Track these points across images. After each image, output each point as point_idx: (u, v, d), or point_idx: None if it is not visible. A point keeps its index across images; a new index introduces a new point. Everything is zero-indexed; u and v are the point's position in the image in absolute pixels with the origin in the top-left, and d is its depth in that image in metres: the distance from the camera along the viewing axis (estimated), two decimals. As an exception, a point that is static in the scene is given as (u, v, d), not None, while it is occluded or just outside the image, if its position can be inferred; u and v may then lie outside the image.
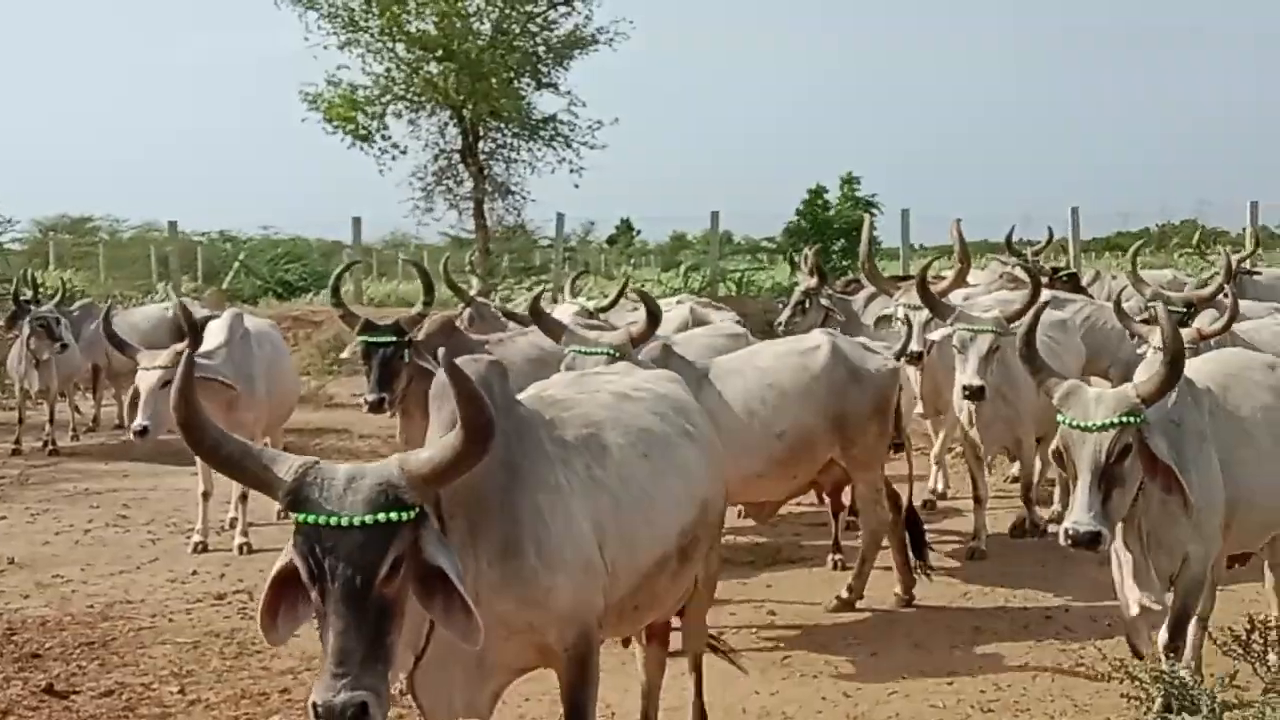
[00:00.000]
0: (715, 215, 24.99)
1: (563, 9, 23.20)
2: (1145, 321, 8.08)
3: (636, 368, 5.39)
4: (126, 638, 6.91)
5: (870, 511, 7.29)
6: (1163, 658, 4.93)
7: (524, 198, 23.80)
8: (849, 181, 29.69)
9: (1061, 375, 4.94)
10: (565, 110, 23.59)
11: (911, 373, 8.98)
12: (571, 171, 23.96)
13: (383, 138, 23.25)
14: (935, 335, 8.24)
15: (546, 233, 26.41)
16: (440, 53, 22.18)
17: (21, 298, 13.32)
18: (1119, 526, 4.82)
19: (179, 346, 8.08)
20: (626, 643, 5.12)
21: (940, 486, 10.15)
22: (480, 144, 23.25)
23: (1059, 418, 4.72)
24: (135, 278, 26.62)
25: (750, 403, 6.90)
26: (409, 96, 22.91)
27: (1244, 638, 4.86)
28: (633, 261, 39.90)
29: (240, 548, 8.71)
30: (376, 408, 7.98)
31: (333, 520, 3.17)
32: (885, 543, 7.30)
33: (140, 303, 18.80)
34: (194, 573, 8.26)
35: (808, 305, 11.29)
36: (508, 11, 22.63)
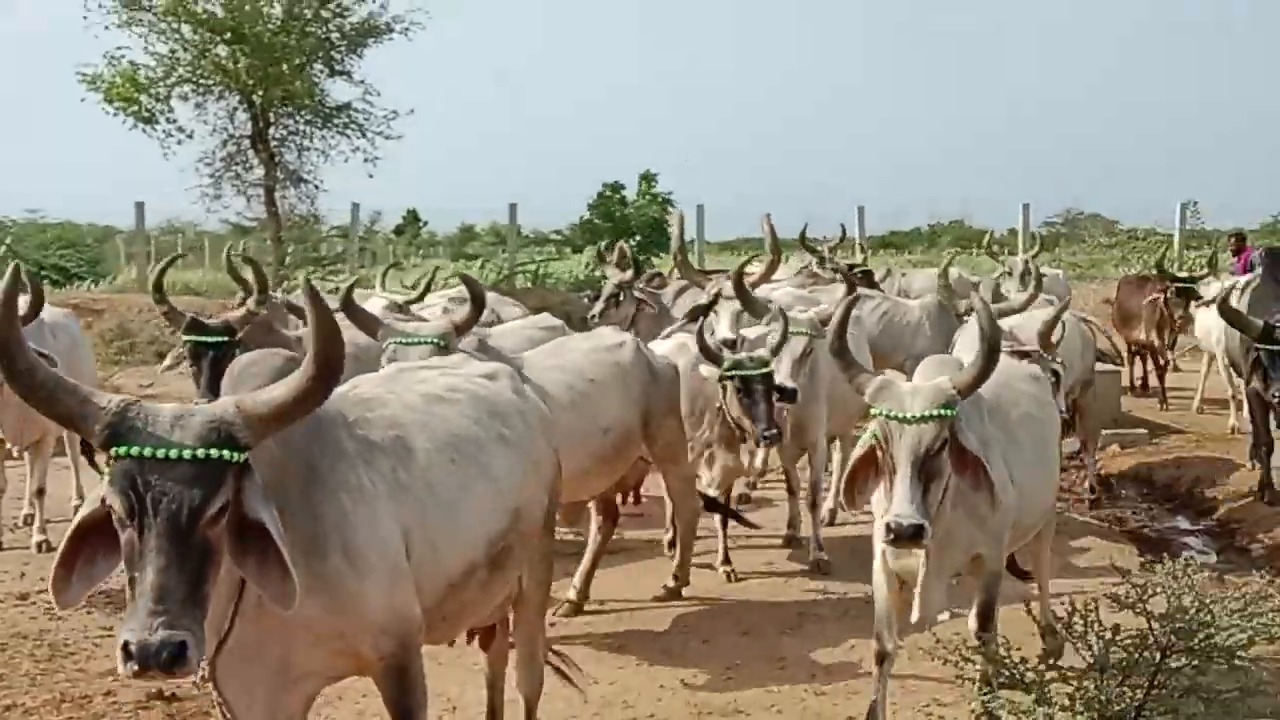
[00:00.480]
0: (513, 207, 24.93)
1: (357, -4, 22.75)
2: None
3: (468, 362, 5.17)
4: (-77, 644, 6.53)
5: (684, 503, 7.44)
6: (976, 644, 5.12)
7: (316, 186, 23.23)
8: (647, 179, 30.05)
9: (871, 370, 4.97)
10: (360, 99, 23.13)
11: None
12: (366, 161, 23.48)
13: (167, 120, 22.39)
14: (750, 333, 8.28)
15: (334, 222, 25.89)
16: (229, 35, 21.45)
17: None
18: None
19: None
20: (486, 646, 5.06)
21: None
22: (271, 130, 22.56)
23: (874, 410, 4.71)
24: (-117, 262, 24.99)
25: (575, 398, 6.81)
26: (195, 79, 22.09)
27: (1066, 619, 5.09)
28: (421, 253, 39.50)
29: (39, 545, 8.29)
30: None
31: (159, 452, 3.01)
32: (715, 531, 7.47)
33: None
34: (-9, 574, 7.84)
35: (621, 298, 11.38)
36: (300, -5, 22.08)
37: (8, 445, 8.38)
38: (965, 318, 9.29)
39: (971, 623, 5.29)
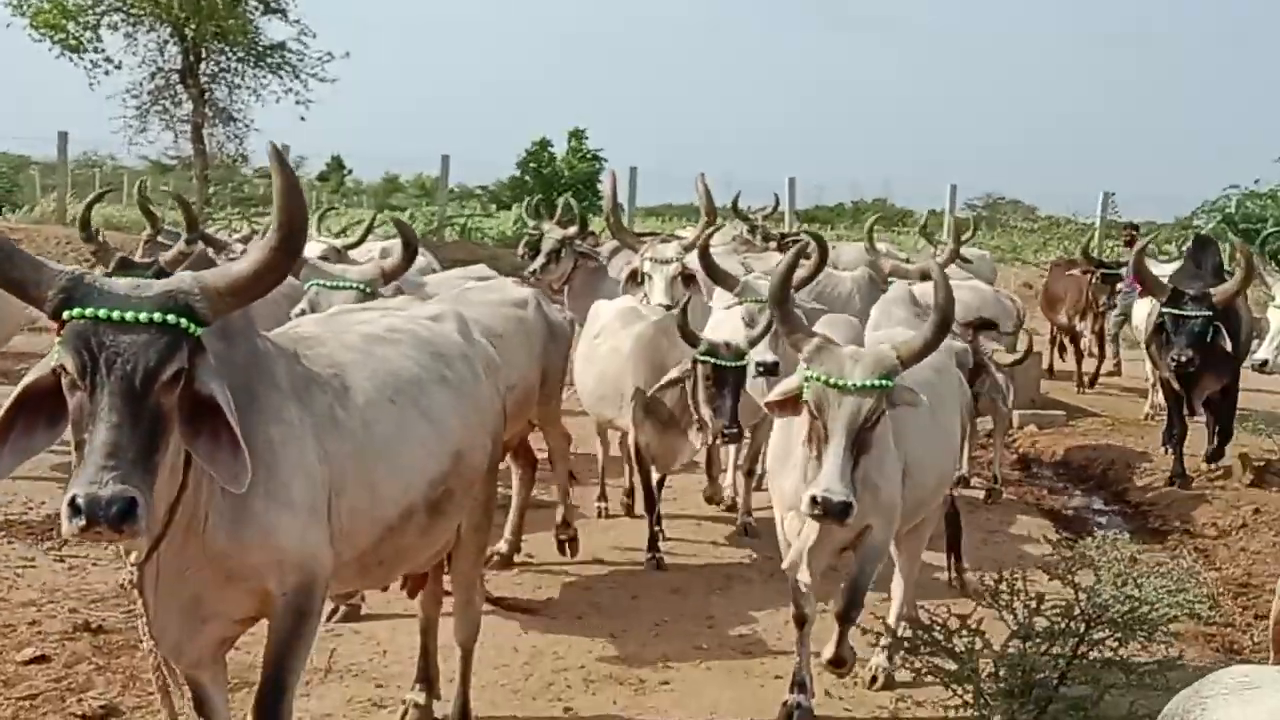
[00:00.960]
0: (445, 159, 24.65)
1: (294, -69, 22.36)
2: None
3: (413, 303, 5.12)
4: None
5: (563, 460, 7.51)
6: (837, 628, 5.05)
7: (246, 125, 22.86)
8: (576, 135, 29.95)
9: (810, 331, 4.65)
10: (295, 39, 22.77)
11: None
12: (298, 103, 23.15)
13: (95, 50, 21.88)
14: (719, 305, 8.16)
15: (259, 164, 25.47)
16: (162, -35, 21.01)
17: None
18: None
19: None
20: (414, 594, 5.05)
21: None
22: (202, 66, 22.16)
23: (807, 373, 4.45)
24: None
25: None
26: (126, 8, 21.59)
27: (994, 588, 5.19)
28: (345, 201, 39.00)
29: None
30: None
31: (115, 314, 2.98)
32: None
33: None
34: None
35: (562, 254, 11.33)
36: (235, -72, 21.64)
37: None
38: (884, 286, 9.34)
39: (837, 603, 5.07)
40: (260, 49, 22.62)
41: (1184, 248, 15.84)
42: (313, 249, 9.18)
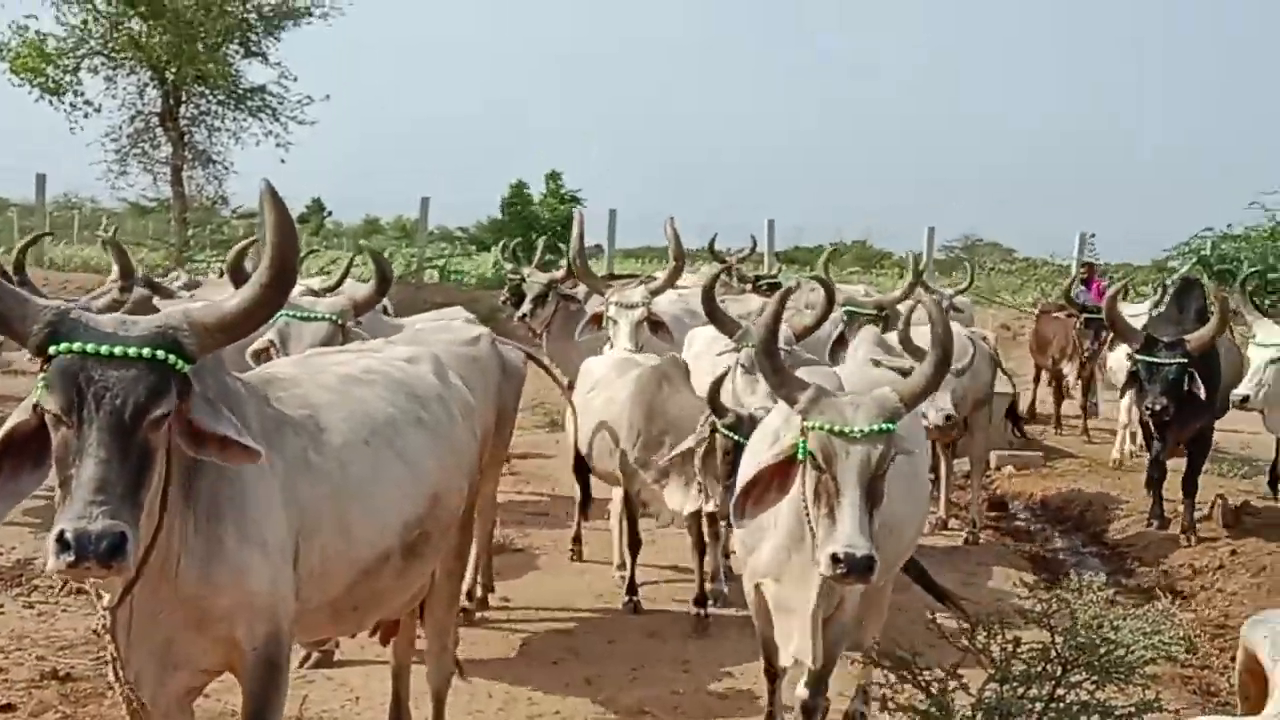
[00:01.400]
0: (425, 201, 24.68)
1: (278, -24, 22.44)
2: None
3: (389, 346, 5.01)
4: None
5: (491, 510, 7.16)
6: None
7: (226, 168, 22.87)
8: (554, 178, 30.04)
9: (802, 381, 4.29)
10: (275, 82, 22.83)
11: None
12: (278, 145, 23.20)
13: (75, 93, 21.89)
14: (692, 352, 7.97)
15: (241, 203, 25.45)
16: (144, 9, 21.04)
17: None
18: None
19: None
20: (386, 640, 5.00)
21: None
22: (182, 109, 22.19)
23: (810, 424, 4.09)
24: None
25: None
26: (107, 52, 21.64)
27: (970, 631, 5.15)
28: (325, 243, 38.96)
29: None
30: None
31: (104, 349, 2.95)
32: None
33: None
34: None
35: (548, 297, 11.32)
36: (218, -28, 21.72)
37: None
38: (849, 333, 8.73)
39: (800, 690, 4.78)
40: (241, 92, 22.67)
41: (1158, 288, 15.97)
42: (294, 290, 9.13)
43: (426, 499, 4.22)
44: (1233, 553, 8.61)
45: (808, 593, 4.49)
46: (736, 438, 6.15)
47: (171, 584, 3.36)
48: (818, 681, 4.74)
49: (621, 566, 7.57)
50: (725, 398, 6.50)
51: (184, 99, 22.20)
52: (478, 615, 6.89)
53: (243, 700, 3.64)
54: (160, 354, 3.00)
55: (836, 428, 4.05)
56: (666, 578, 7.91)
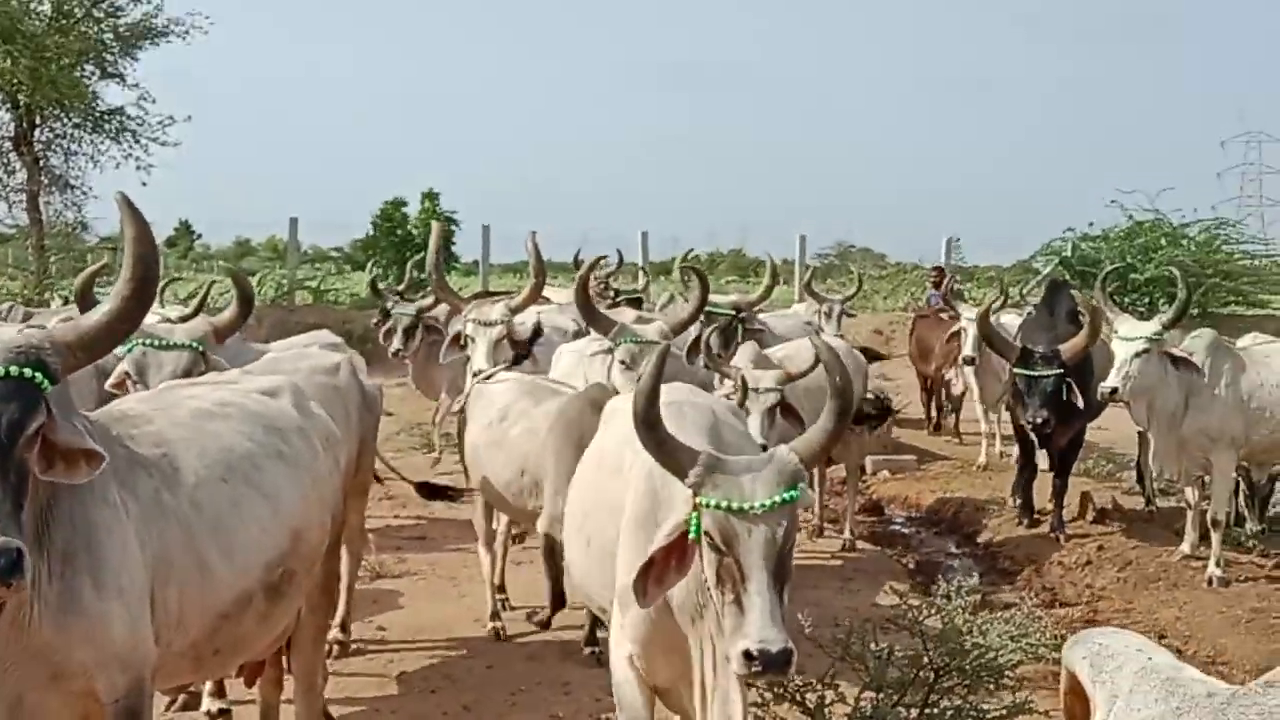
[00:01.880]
0: (294, 221, 24.28)
1: (130, -5, 21.91)
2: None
3: (246, 378, 4.82)
4: None
5: (360, 540, 6.88)
6: None
7: (85, 193, 22.19)
8: (430, 196, 29.86)
9: (692, 450, 3.66)
10: (134, 104, 22.23)
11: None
12: (139, 168, 22.55)
13: (-76, 117, 21.11)
14: (592, 350, 7.70)
15: (103, 232, 24.78)
16: (-6, 32, 20.38)
17: None
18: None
19: None
20: (251, 682, 4.87)
21: None
22: (37, 132, 21.51)
23: (703, 500, 3.54)
24: None
25: None
26: (-45, 76, 20.91)
27: (845, 639, 5.19)
28: (194, 266, 38.22)
29: None
30: None
31: None
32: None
33: None
34: None
35: (418, 329, 11.18)
36: (70, -8, 21.14)
37: None
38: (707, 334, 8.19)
39: None
40: (98, 115, 22.04)
41: (1025, 293, 16.29)
42: (150, 320, 8.85)
43: (289, 536, 4.11)
44: (1100, 549, 8.83)
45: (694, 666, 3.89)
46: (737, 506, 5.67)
47: (23, 636, 3.23)
48: None
49: (498, 607, 7.19)
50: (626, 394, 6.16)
51: (39, 122, 21.54)
52: (352, 646, 6.74)
53: None
54: (27, 371, 2.95)
55: (735, 504, 3.51)
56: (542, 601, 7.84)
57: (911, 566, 9.21)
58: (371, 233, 30.10)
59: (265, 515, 4.01)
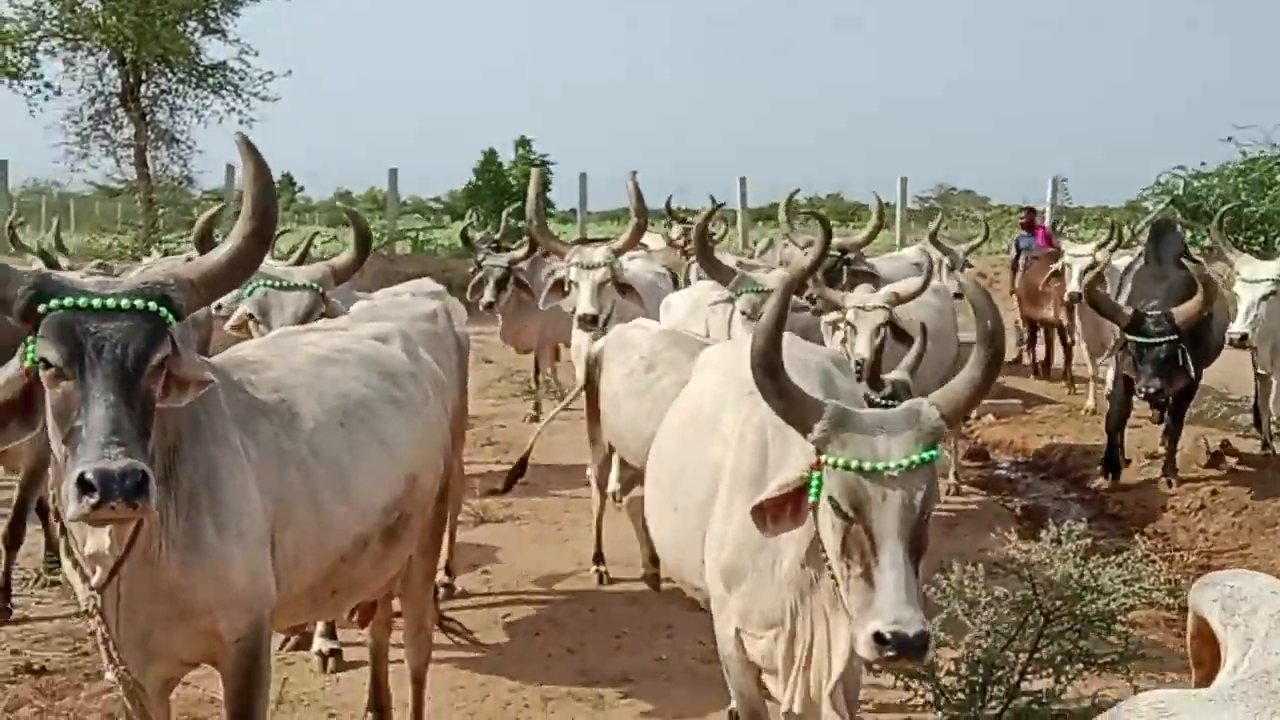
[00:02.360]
0: (393, 173, 24.53)
1: (236, -49, 22.17)
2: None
3: (356, 324, 4.82)
4: None
5: (461, 486, 6.84)
6: None
7: (190, 147, 22.63)
8: (523, 144, 29.91)
9: (817, 401, 3.27)
10: (236, 59, 22.57)
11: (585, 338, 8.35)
12: (241, 122, 22.95)
13: (34, 76, 21.63)
14: (711, 299, 7.35)
15: (208, 185, 25.22)
16: (100, -13, 20.80)
17: None
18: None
19: None
20: (364, 623, 4.94)
21: None
22: (143, 88, 21.93)
23: (827, 459, 3.18)
24: None
25: None
26: (64, 33, 21.35)
27: (956, 584, 5.09)
28: (296, 218, 38.78)
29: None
30: None
31: (95, 302, 2.97)
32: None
33: None
34: None
35: (509, 281, 11.16)
36: (175, -51, 21.43)
37: None
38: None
39: None
40: (201, 69, 22.40)
41: (1136, 233, 15.79)
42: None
43: (404, 481, 4.14)
44: (1214, 493, 8.61)
45: (829, 654, 3.54)
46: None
47: (152, 573, 3.31)
48: None
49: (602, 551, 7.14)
50: (718, 345, 5.89)
51: (144, 78, 21.95)
52: (457, 589, 6.82)
53: (225, 691, 3.60)
54: (152, 305, 3.01)
55: (867, 465, 3.13)
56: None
57: (1018, 512, 9.06)
58: (474, 182, 30.21)
59: (381, 460, 4.04)
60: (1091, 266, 10.91)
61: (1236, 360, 9.38)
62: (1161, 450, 9.21)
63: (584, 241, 11.06)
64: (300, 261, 8.33)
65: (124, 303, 2.98)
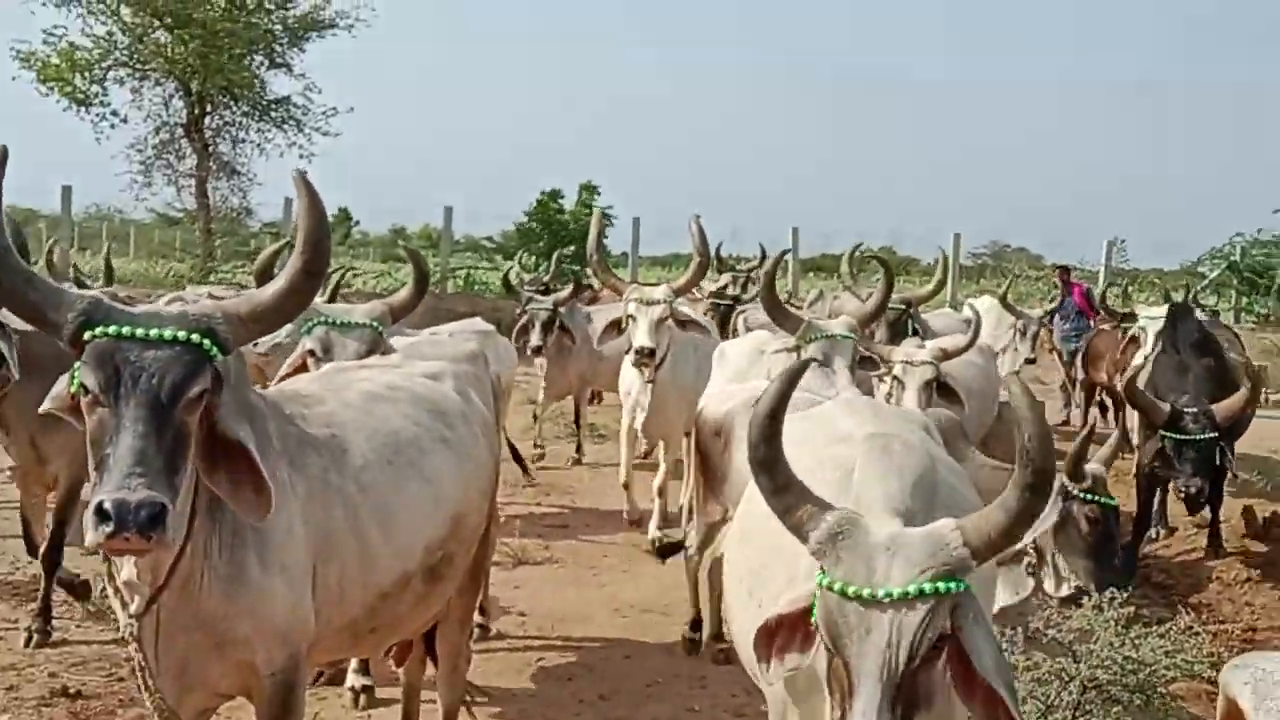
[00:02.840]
0: (448, 210, 24.69)
1: (301, -12, 22.59)
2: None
3: (409, 361, 4.90)
4: None
5: (496, 526, 6.57)
6: None
7: (250, 179, 22.99)
8: (588, 189, 30.06)
9: (818, 500, 2.74)
10: (300, 94, 22.95)
11: (636, 373, 8.57)
12: (301, 157, 23.31)
13: (101, 104, 22.07)
14: (773, 347, 7.14)
15: (266, 217, 25.55)
16: (170, 20, 21.20)
17: None
18: None
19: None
20: (400, 661, 4.95)
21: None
22: (207, 120, 22.34)
23: (820, 577, 2.65)
24: None
25: None
26: (133, 63, 21.79)
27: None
28: (351, 253, 39.17)
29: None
30: None
31: (139, 331, 2.98)
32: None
33: None
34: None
35: (554, 324, 11.17)
36: (244, -17, 21.85)
37: None
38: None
39: None
40: (265, 103, 22.78)
41: (1194, 297, 15.51)
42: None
43: (449, 520, 4.16)
44: (1261, 565, 8.46)
45: None
46: (1102, 500, 5.60)
47: (193, 603, 3.33)
48: None
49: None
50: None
51: (209, 110, 22.36)
52: (493, 631, 6.82)
53: None
54: (195, 338, 3.02)
55: (851, 588, 2.57)
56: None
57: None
58: (525, 222, 30.39)
59: (428, 500, 4.05)
60: None
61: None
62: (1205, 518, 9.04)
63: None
64: (333, 297, 8.24)
65: (166, 333, 2.99)
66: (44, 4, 21.31)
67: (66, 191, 22.90)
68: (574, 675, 6.33)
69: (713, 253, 15.02)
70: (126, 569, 3.22)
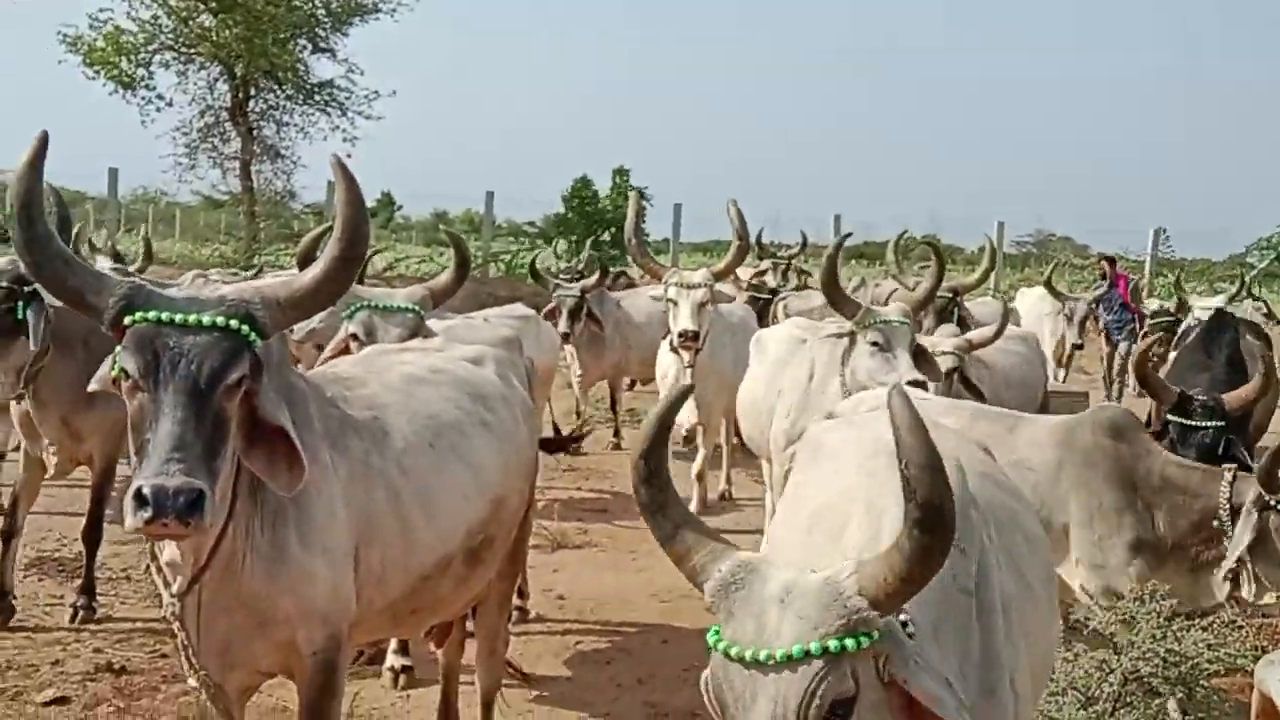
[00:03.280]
0: (490, 195, 24.79)
1: (346, -27, 22.66)
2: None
3: (451, 344, 4.88)
4: None
5: (533, 509, 6.71)
6: None
7: (294, 162, 23.14)
8: (621, 173, 30.02)
9: (708, 543, 2.41)
10: (342, 77, 23.06)
11: (673, 359, 8.67)
12: (344, 140, 23.45)
13: (147, 88, 22.26)
14: (828, 330, 7.02)
15: (309, 200, 25.68)
16: (215, 4, 21.35)
17: None
18: None
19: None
20: (440, 643, 4.97)
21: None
22: (251, 103, 22.49)
23: (710, 637, 2.29)
24: None
25: None
26: (178, 47, 21.96)
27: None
28: (394, 236, 39.34)
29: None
30: None
31: (178, 317, 2.99)
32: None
33: None
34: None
35: (583, 310, 11.11)
36: (288, -32, 21.96)
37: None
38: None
39: None
40: (309, 87, 22.90)
41: (1247, 286, 15.29)
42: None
43: (490, 504, 4.17)
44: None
45: None
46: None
47: (235, 583, 3.36)
48: None
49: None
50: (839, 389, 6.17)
51: (253, 94, 22.50)
52: (531, 614, 6.85)
53: (299, 702, 3.64)
54: (234, 323, 3.03)
55: (735, 649, 2.23)
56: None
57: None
58: (562, 210, 30.41)
59: (469, 483, 4.07)
60: None
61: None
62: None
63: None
64: (359, 279, 8.36)
65: (205, 318, 3.00)
66: (89, -12, 21.55)
67: (113, 174, 23.18)
68: (611, 659, 6.35)
69: (753, 239, 15.05)
70: (169, 550, 3.26)
